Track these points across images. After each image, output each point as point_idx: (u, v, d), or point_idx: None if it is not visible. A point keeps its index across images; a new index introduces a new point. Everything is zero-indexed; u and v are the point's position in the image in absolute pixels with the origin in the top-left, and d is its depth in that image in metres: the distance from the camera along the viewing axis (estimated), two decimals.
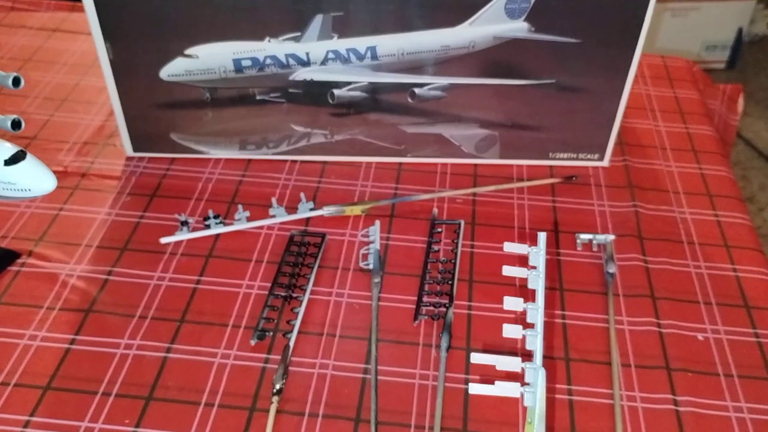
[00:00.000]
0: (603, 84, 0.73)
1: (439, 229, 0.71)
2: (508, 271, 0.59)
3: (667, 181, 0.78)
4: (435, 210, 0.73)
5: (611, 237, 0.69)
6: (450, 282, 0.65)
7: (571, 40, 0.70)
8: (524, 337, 0.55)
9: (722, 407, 0.57)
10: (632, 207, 0.74)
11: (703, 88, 0.96)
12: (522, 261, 0.62)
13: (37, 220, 0.70)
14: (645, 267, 0.68)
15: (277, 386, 0.56)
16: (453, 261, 0.67)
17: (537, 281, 0.57)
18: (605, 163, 0.79)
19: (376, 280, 0.65)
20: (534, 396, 0.52)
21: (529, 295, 0.58)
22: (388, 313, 0.63)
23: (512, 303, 0.56)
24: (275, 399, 0.55)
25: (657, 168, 0.80)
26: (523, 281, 0.59)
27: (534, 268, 0.58)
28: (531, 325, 0.56)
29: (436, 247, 0.69)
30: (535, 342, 0.55)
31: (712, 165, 0.80)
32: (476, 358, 0.53)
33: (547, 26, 0.69)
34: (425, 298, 0.64)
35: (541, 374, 0.52)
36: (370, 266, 0.66)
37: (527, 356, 0.55)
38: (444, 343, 0.59)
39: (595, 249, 0.69)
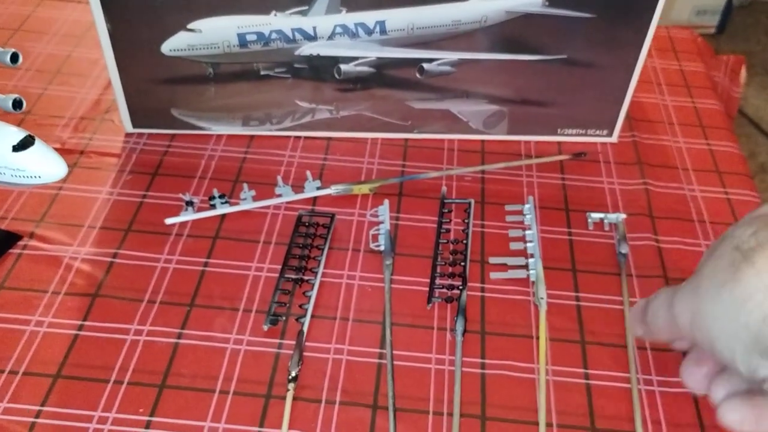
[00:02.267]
0: (615, 59, 0.72)
1: (449, 209, 0.70)
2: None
3: (676, 157, 0.77)
4: (444, 188, 0.71)
5: (623, 216, 0.69)
6: (462, 263, 0.64)
7: (585, 15, 0.68)
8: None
9: None
10: (642, 184, 0.73)
11: (707, 60, 0.95)
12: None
13: (36, 200, 0.68)
14: (657, 247, 0.67)
15: (293, 373, 0.55)
16: (465, 242, 0.66)
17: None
18: (614, 139, 0.78)
19: (388, 262, 0.64)
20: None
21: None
22: (401, 296, 0.62)
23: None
24: (291, 386, 0.55)
25: (665, 144, 0.79)
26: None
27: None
28: None
29: (446, 227, 0.68)
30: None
31: (719, 141, 0.80)
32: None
33: (562, 0, 0.67)
34: (438, 281, 0.63)
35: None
36: (381, 247, 0.65)
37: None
38: (460, 327, 0.59)
39: (606, 228, 0.69)
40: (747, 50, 2.18)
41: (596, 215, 0.69)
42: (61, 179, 0.56)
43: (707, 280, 0.43)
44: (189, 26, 0.67)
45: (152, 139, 0.75)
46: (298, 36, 0.68)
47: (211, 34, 0.68)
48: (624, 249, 0.66)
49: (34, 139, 0.54)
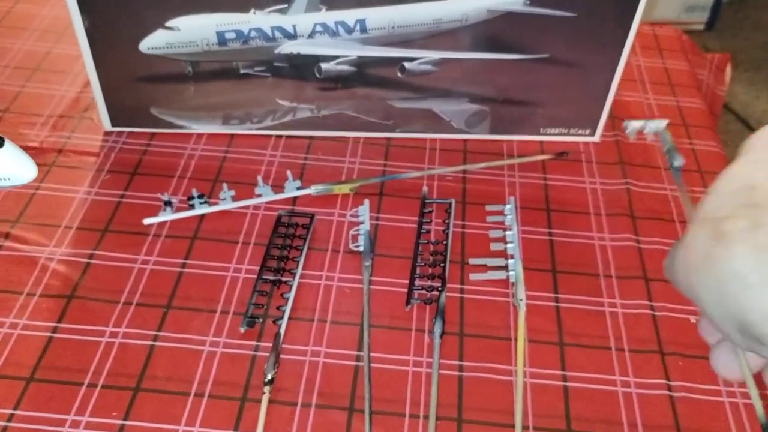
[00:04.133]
0: (597, 58, 0.71)
1: (430, 209, 0.69)
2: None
3: (658, 156, 0.77)
4: (425, 188, 0.71)
5: (665, 122, 0.56)
6: (442, 264, 0.64)
7: (566, 14, 0.67)
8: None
9: (715, 392, 0.57)
10: (624, 184, 0.73)
11: (692, 58, 0.95)
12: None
13: (13, 200, 0.67)
14: (638, 247, 0.67)
15: (269, 375, 0.55)
16: (445, 242, 0.66)
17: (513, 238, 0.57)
18: (596, 138, 0.78)
19: (367, 263, 0.63)
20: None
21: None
22: (379, 298, 0.62)
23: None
24: (267, 389, 0.54)
25: (648, 143, 0.79)
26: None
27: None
28: None
29: (426, 228, 0.67)
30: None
31: (702, 140, 0.80)
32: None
33: None
34: (417, 282, 0.63)
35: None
36: (361, 248, 0.65)
37: None
38: (438, 329, 0.59)
39: (651, 138, 0.61)
40: (736, 46, 2.18)
41: (636, 123, 0.56)
42: (32, 181, 0.55)
43: (692, 253, 0.39)
44: (167, 24, 0.66)
45: (131, 137, 0.75)
46: (277, 34, 0.68)
47: (189, 32, 0.67)
48: (677, 161, 0.53)
49: (3, 141, 0.53)
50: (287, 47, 0.69)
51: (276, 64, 0.70)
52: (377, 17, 0.67)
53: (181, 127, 0.75)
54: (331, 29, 0.68)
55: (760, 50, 2.20)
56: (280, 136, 0.76)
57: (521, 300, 0.61)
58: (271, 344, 0.57)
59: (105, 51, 0.69)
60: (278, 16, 0.67)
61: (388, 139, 0.77)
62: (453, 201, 0.70)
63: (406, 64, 0.71)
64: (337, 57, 0.70)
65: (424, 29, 0.68)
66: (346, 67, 0.71)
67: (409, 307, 0.61)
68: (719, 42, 2.15)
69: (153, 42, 0.67)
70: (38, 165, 0.68)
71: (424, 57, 0.70)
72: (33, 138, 0.73)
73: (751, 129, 1.87)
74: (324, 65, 0.70)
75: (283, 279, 0.62)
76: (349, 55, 0.70)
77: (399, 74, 0.71)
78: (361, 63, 0.70)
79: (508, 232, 0.67)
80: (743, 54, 2.17)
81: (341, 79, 0.72)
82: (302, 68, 0.70)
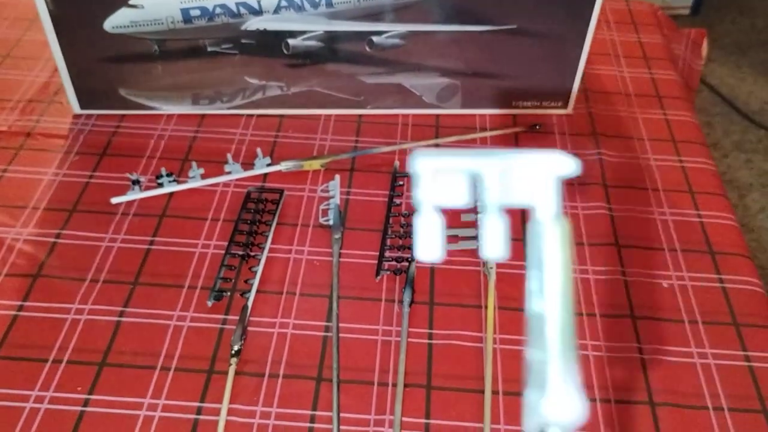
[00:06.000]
0: (566, 29, 0.71)
1: (401, 182, 0.69)
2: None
3: (632, 127, 0.77)
4: (396, 162, 0.71)
5: None
6: (412, 236, 0.64)
7: None
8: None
9: (687, 354, 0.56)
10: (597, 155, 0.73)
11: (668, 33, 0.95)
12: None
13: None
14: (610, 215, 0.67)
15: (236, 347, 0.54)
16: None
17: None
18: (569, 110, 0.77)
19: (337, 236, 0.63)
20: None
21: None
22: (349, 270, 0.61)
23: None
24: (234, 361, 0.54)
25: (621, 115, 0.78)
26: None
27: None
28: None
29: (398, 201, 0.67)
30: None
31: (676, 111, 0.79)
32: None
33: None
34: (387, 253, 0.63)
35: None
36: (330, 222, 0.64)
37: None
38: (407, 298, 0.58)
39: None
40: (722, 30, 2.18)
41: None
42: None
43: None
44: (131, 2, 0.66)
45: (101, 120, 0.74)
46: (242, 10, 0.67)
47: (153, 9, 0.67)
48: None
49: None
50: (253, 23, 0.69)
51: (243, 41, 0.70)
52: None
53: (150, 108, 0.74)
54: (297, 3, 0.67)
55: (745, 34, 2.19)
56: (251, 116, 0.75)
57: (491, 268, 0.61)
58: (238, 317, 0.57)
59: (70, 32, 0.68)
60: None
61: (360, 116, 0.76)
62: None
63: (375, 38, 0.70)
64: (304, 32, 0.70)
65: (391, 1, 0.68)
66: (314, 43, 0.70)
67: (378, 277, 0.61)
68: (704, 27, 2.15)
69: (117, 20, 0.67)
70: (6, 149, 0.68)
71: (392, 30, 0.70)
72: (1, 122, 0.73)
73: (737, 111, 1.87)
74: (291, 41, 0.70)
75: (252, 253, 0.62)
76: (316, 29, 0.69)
77: (368, 49, 0.71)
78: (329, 38, 0.70)
79: (479, 202, 0.66)
80: (729, 37, 2.16)
81: (310, 55, 0.71)
82: (270, 45, 0.70)
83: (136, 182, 0.66)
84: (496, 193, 0.22)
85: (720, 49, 2.09)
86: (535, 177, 0.23)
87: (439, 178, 0.23)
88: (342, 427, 0.51)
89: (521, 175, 0.23)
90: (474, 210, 0.66)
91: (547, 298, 0.23)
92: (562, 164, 0.23)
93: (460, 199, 0.23)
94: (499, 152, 0.22)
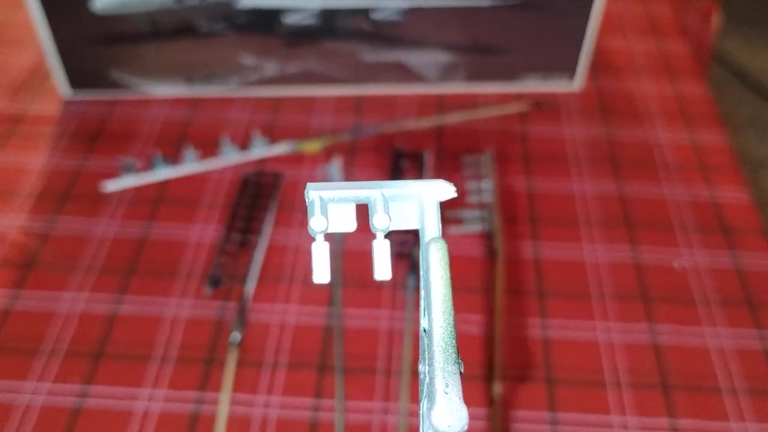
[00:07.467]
0: (571, 2, 0.68)
1: (403, 163, 0.67)
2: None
3: (641, 103, 0.74)
4: (398, 143, 0.69)
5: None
6: None
7: None
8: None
9: (699, 333, 0.55)
10: (605, 133, 0.70)
11: (677, 5, 0.92)
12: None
13: None
14: (619, 196, 0.65)
15: (235, 335, 0.53)
16: None
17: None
18: (576, 86, 0.75)
19: None
20: None
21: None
22: (352, 254, 0.59)
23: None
24: (233, 349, 0.52)
25: (630, 90, 0.76)
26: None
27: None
28: None
29: None
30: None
31: (687, 85, 0.77)
32: None
33: None
34: (391, 237, 0.60)
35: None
36: None
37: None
38: (411, 283, 0.56)
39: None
40: (734, 2, 2.14)
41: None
42: None
43: None
44: None
45: (93, 104, 0.72)
46: None
47: None
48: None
49: None
50: (248, 1, 0.66)
51: (237, 20, 0.67)
52: None
53: (142, 89, 0.72)
54: None
55: (758, 5, 2.15)
56: (247, 99, 0.73)
57: (498, 251, 0.59)
58: (237, 305, 0.55)
59: (58, 12, 0.66)
60: None
61: (359, 96, 0.74)
62: (425, 153, 0.67)
63: (373, 15, 0.68)
64: (300, 10, 0.67)
65: None
66: (310, 21, 0.68)
67: None
68: None
69: (106, 0, 0.65)
70: None
71: (391, 6, 0.67)
72: None
73: (748, 85, 1.83)
74: (287, 19, 0.68)
75: (251, 239, 0.60)
76: (312, 6, 0.67)
77: (366, 26, 0.69)
78: (326, 15, 0.68)
79: (484, 184, 0.64)
80: (739, 11, 2.12)
81: (306, 34, 0.69)
82: (264, 23, 0.68)
83: (129, 167, 0.64)
84: (384, 219, 0.25)
85: (732, 22, 2.05)
86: (418, 202, 0.26)
87: (329, 207, 0.25)
88: (346, 415, 0.49)
89: (406, 201, 0.26)
90: (479, 191, 0.64)
91: (430, 315, 0.25)
92: (442, 190, 0.26)
93: (349, 226, 0.26)
94: (384, 183, 0.25)
